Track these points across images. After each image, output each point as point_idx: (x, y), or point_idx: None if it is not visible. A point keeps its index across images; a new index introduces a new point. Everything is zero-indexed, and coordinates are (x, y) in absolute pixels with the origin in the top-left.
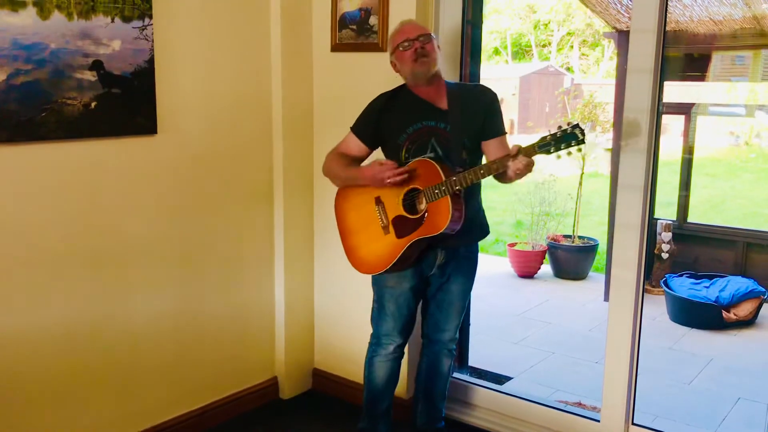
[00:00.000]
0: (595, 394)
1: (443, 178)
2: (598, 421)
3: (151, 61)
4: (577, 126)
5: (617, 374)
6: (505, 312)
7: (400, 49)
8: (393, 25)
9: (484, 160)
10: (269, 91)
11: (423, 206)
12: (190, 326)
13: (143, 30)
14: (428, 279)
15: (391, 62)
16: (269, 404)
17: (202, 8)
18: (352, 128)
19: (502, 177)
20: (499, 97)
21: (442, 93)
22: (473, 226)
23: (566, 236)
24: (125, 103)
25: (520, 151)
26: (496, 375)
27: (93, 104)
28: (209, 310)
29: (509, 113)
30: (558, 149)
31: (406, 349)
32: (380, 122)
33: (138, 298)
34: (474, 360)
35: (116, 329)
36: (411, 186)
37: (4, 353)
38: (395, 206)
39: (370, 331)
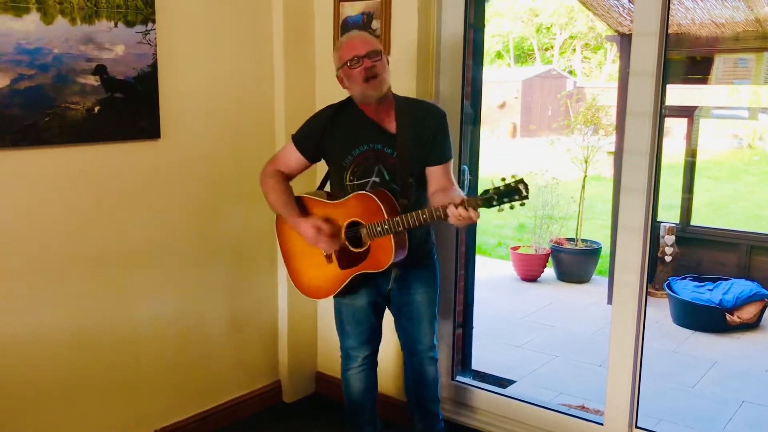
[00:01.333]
0: (599, 397)
1: (385, 217)
2: (602, 424)
3: (154, 66)
4: (521, 181)
5: (621, 377)
6: (508, 315)
7: (348, 65)
8: (395, 29)
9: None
10: (272, 95)
11: (365, 241)
12: (192, 330)
13: (146, 34)
14: (388, 294)
15: (338, 77)
16: (272, 408)
17: (205, 13)
18: (293, 138)
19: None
20: (502, 101)
21: (391, 112)
22: (420, 246)
23: (569, 239)
24: (128, 108)
25: (464, 202)
26: (499, 378)
27: (96, 109)
28: (212, 313)
29: (512, 117)
30: (501, 203)
31: (399, 351)
32: (324, 139)
33: (141, 302)
34: (477, 363)
35: (119, 333)
36: (353, 219)
37: (7, 356)
38: (338, 237)
39: None
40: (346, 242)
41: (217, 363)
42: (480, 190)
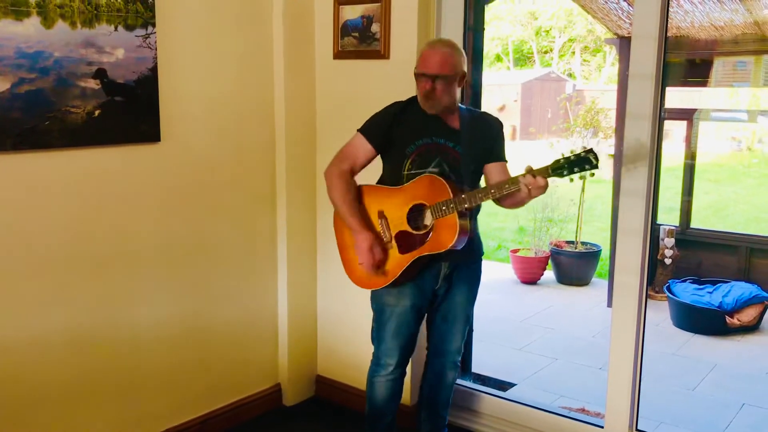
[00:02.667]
0: (599, 400)
1: (451, 195)
2: (602, 427)
3: (154, 69)
4: (591, 151)
5: (621, 380)
6: (508, 318)
7: (416, 74)
8: (395, 32)
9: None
10: (272, 98)
11: (428, 222)
12: (193, 333)
13: (146, 38)
14: (434, 293)
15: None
16: (272, 411)
17: (205, 16)
18: (361, 130)
19: (506, 199)
20: (502, 104)
21: (455, 114)
22: (474, 244)
23: (569, 242)
24: (129, 111)
25: (532, 171)
26: (499, 381)
27: (96, 112)
28: (212, 316)
29: (511, 120)
30: (571, 173)
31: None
32: (393, 127)
33: (141, 305)
34: (477, 366)
35: (119, 336)
36: (417, 201)
37: (10, 358)
38: (399, 221)
39: None
40: (408, 226)
41: (218, 366)
42: (483, 206)
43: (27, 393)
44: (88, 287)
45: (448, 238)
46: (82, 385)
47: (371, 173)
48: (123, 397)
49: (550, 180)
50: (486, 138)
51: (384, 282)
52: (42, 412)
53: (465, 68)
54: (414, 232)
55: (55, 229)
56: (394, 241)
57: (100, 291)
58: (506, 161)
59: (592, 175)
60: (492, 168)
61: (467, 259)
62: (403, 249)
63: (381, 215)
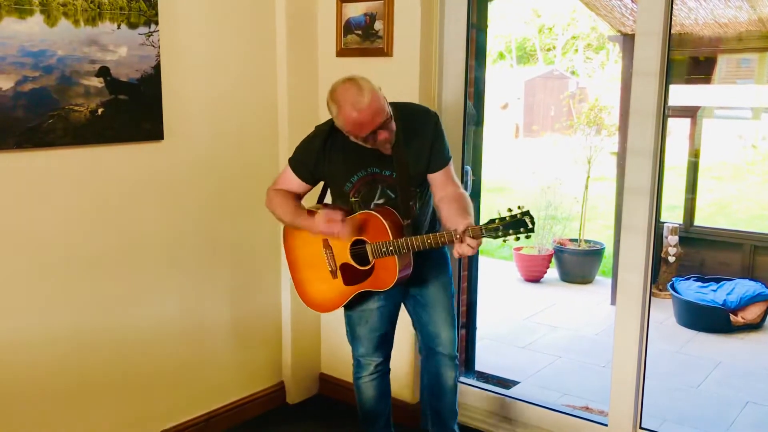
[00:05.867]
0: (603, 398)
1: (390, 238)
2: (606, 425)
3: (157, 68)
4: (527, 213)
5: (625, 378)
6: (512, 316)
7: (352, 137)
8: (398, 30)
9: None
10: (275, 96)
11: (370, 259)
12: (196, 331)
13: (149, 36)
14: (407, 292)
15: (330, 111)
16: (276, 409)
17: (208, 14)
18: (290, 164)
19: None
20: (505, 101)
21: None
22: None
23: (572, 240)
24: (132, 110)
25: (467, 231)
26: (502, 379)
27: (100, 110)
28: (215, 315)
29: (514, 117)
30: (506, 235)
31: (410, 354)
32: (319, 168)
33: (144, 304)
34: (480, 364)
35: (122, 334)
36: (359, 236)
37: (11, 358)
38: (343, 253)
39: None
40: (351, 260)
41: (221, 364)
42: (483, 206)
43: (29, 392)
44: (91, 286)
45: (388, 280)
46: (85, 384)
47: None
48: (126, 395)
49: (555, 177)
50: (422, 148)
51: (331, 309)
52: (43, 411)
53: (385, 100)
54: (357, 266)
55: (57, 228)
56: (339, 272)
57: (103, 289)
58: (448, 162)
59: (528, 237)
60: (435, 178)
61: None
62: (348, 281)
63: (326, 245)
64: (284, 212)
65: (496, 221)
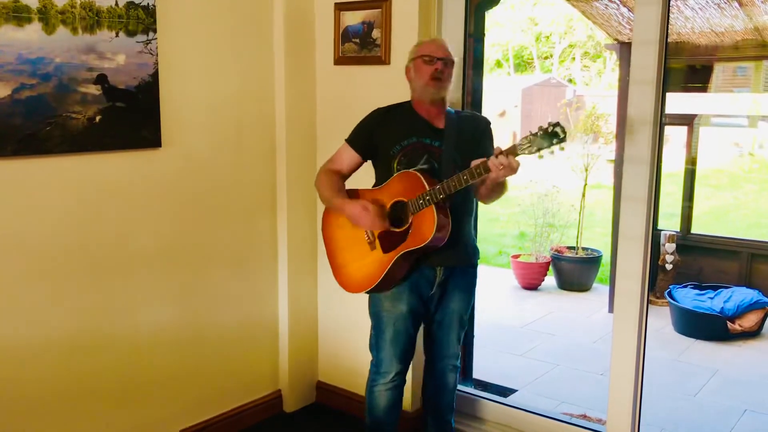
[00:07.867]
0: (600, 406)
1: (427, 188)
2: None
3: (155, 75)
4: (557, 124)
5: (622, 386)
6: (509, 324)
7: (422, 59)
8: (396, 38)
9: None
10: (273, 104)
11: (408, 218)
12: (193, 339)
13: (147, 44)
14: (428, 300)
15: (407, 68)
16: (273, 417)
17: (206, 22)
18: (347, 139)
19: (483, 190)
20: (502, 109)
21: (442, 115)
22: (467, 245)
23: (570, 248)
24: (129, 117)
25: (502, 151)
26: (500, 387)
27: (97, 118)
28: (213, 322)
29: (511, 125)
30: (540, 148)
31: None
32: (375, 133)
33: (141, 312)
34: (478, 372)
35: (118, 342)
36: (396, 199)
37: (10, 362)
38: (384, 218)
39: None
40: (389, 225)
41: (218, 372)
42: (481, 213)
43: (26, 397)
44: (88, 293)
45: (427, 231)
46: (81, 391)
47: (367, 181)
48: (123, 403)
49: (553, 184)
50: (471, 134)
51: (371, 284)
52: (41, 418)
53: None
54: (395, 230)
55: (55, 235)
56: (377, 241)
57: (100, 296)
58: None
59: (562, 149)
60: None
61: (462, 265)
62: (387, 248)
63: None
64: (327, 187)
65: (529, 136)
